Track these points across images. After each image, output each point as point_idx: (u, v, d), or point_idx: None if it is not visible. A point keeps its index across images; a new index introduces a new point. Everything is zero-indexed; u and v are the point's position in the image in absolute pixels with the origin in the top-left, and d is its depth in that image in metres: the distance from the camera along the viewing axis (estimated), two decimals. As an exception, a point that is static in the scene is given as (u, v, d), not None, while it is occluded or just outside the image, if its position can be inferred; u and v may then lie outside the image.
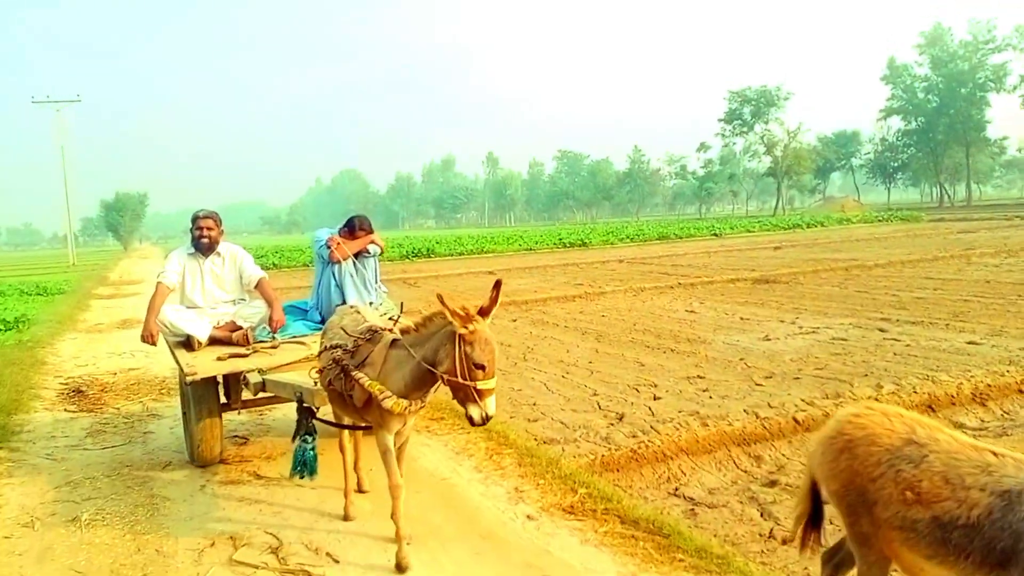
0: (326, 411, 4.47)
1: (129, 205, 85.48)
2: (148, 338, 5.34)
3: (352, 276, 5.86)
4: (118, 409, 7.25)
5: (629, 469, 5.14)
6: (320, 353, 4.18)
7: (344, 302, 5.62)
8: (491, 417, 3.36)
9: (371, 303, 5.77)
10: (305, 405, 4.32)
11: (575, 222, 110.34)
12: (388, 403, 3.52)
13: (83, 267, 40.46)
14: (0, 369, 8.73)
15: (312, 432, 4.25)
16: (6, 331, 12.85)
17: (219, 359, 5.10)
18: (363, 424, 4.06)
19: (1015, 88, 73.04)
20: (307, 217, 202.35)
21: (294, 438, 4.32)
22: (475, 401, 3.31)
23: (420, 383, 3.56)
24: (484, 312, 3.39)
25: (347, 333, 3.97)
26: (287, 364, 5.02)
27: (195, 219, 5.79)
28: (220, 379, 5.36)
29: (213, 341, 5.47)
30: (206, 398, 5.14)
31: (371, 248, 6.00)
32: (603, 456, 5.22)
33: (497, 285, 3.45)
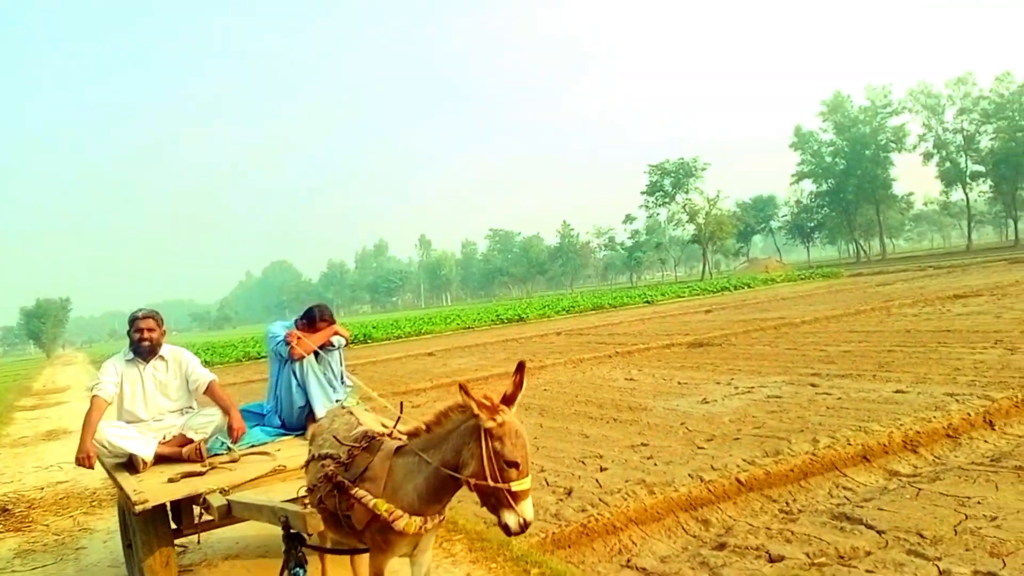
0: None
1: (51, 311, 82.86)
2: (84, 461, 4.60)
3: (316, 373, 5.33)
4: (47, 526, 6.90)
5: (580, 544, 5.12)
6: (306, 464, 3.68)
7: (307, 403, 5.23)
8: (530, 524, 2.86)
9: (338, 401, 5.25)
10: (293, 531, 3.54)
11: (511, 298, 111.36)
12: (400, 524, 2.99)
13: (3, 378, 38.74)
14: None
15: (303, 564, 3.57)
16: (-80, 452, 12.15)
17: (171, 480, 4.40)
18: (364, 547, 3.44)
19: (915, 147, 77.97)
20: (238, 311, 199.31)
21: (282, 572, 3.62)
22: (510, 506, 2.82)
23: (438, 493, 3.06)
24: (508, 400, 2.96)
25: (339, 441, 3.44)
26: (252, 480, 4.32)
27: (133, 320, 5.17)
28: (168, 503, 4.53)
29: (160, 459, 4.80)
30: (154, 526, 4.34)
31: (335, 340, 5.50)
32: (554, 533, 5.20)
33: (520, 368, 3.00)
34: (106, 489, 7.66)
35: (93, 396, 4.86)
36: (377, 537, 3.12)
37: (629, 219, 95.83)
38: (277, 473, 4.37)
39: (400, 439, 3.26)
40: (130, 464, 4.71)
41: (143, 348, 5.08)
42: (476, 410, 2.86)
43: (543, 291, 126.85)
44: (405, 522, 2.99)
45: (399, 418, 3.49)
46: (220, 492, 4.10)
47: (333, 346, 5.48)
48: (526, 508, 2.83)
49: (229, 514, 4.02)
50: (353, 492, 3.13)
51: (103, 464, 4.81)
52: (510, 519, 2.81)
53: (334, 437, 3.49)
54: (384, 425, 3.62)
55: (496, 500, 2.84)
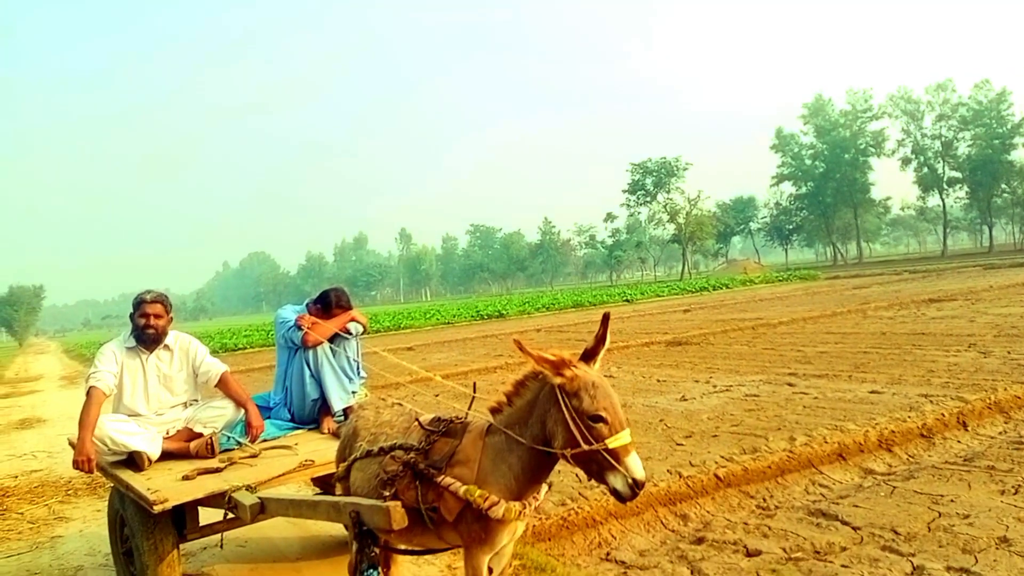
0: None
1: (23, 298, 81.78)
2: (84, 464, 4.11)
3: (331, 362, 4.96)
4: (22, 514, 6.83)
5: (560, 537, 5.15)
6: (350, 463, 3.31)
7: (321, 395, 4.91)
8: (643, 483, 2.51)
9: (354, 393, 5.01)
10: (366, 528, 3.08)
11: (491, 294, 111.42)
12: (498, 511, 2.67)
13: (-27, 365, 38.12)
14: None
15: (376, 565, 3.13)
16: None
17: (186, 478, 4.03)
18: (443, 546, 3.14)
19: (893, 152, 78.99)
20: (214, 302, 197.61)
21: (352, 574, 3.19)
22: (613, 468, 2.50)
23: (535, 473, 2.77)
24: (590, 355, 2.67)
25: (421, 425, 3.11)
26: (279, 476, 3.97)
27: (139, 303, 4.60)
28: None
29: (164, 455, 4.40)
30: (160, 530, 3.95)
31: (352, 327, 5.11)
32: (534, 526, 5.22)
33: (605, 320, 2.70)
34: (82, 478, 7.58)
35: (90, 388, 4.35)
36: (474, 528, 2.78)
37: (610, 217, 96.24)
38: (305, 468, 4.10)
39: (486, 418, 2.96)
40: (131, 462, 4.33)
41: (147, 336, 4.57)
42: (537, 366, 2.60)
43: (523, 288, 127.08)
44: (504, 508, 2.68)
45: (473, 398, 3.20)
46: (247, 490, 3.76)
47: (350, 333, 5.11)
48: (632, 465, 2.50)
49: (262, 512, 3.64)
50: (440, 480, 2.81)
51: (100, 463, 4.34)
52: (617, 482, 2.50)
53: (418, 422, 3.14)
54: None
55: (598, 466, 2.52)
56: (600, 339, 2.68)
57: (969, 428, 6.88)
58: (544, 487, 2.89)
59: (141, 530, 3.94)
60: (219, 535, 4.35)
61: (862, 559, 4.18)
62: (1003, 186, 73.64)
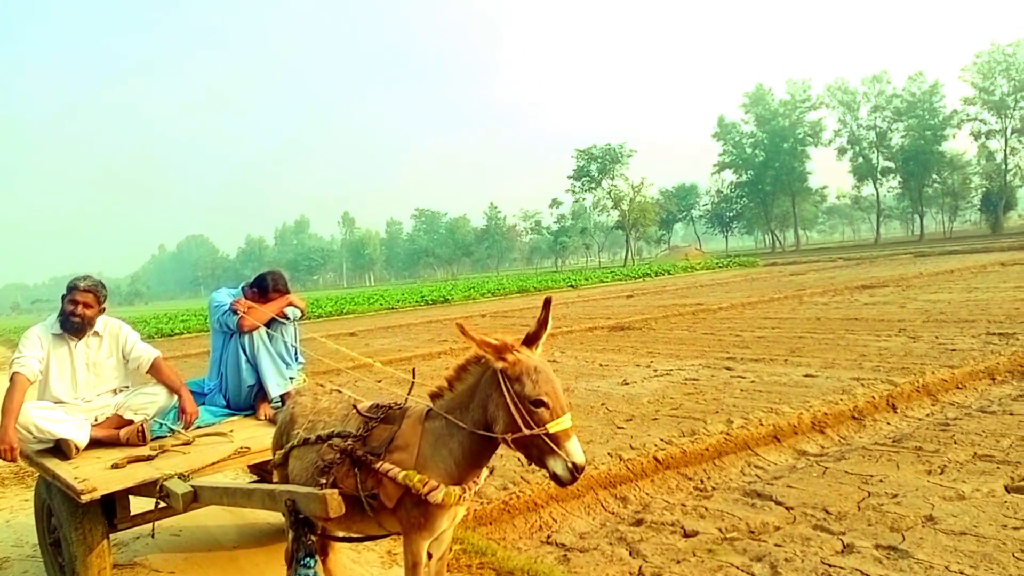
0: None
1: (-54, 281, 78.44)
2: (6, 453, 3.91)
3: (267, 347, 4.86)
4: (-60, 505, 6.55)
5: (502, 521, 5.16)
6: (286, 450, 3.26)
7: (258, 381, 4.82)
8: (582, 467, 2.53)
9: (291, 379, 4.93)
10: (302, 516, 3.05)
11: (436, 279, 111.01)
12: (437, 495, 2.67)
13: None
14: None
15: (313, 554, 3.10)
16: None
17: (115, 466, 3.92)
18: (383, 533, 3.11)
19: (830, 142, 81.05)
20: (151, 286, 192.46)
21: (290, 563, 3.15)
22: (553, 452, 2.51)
23: (475, 457, 2.76)
24: (531, 340, 2.67)
25: (360, 412, 3.08)
26: (214, 463, 3.89)
27: (71, 289, 4.45)
28: None
29: (92, 443, 4.25)
30: (89, 520, 3.82)
31: (290, 312, 5.02)
32: (475, 511, 5.22)
33: (546, 304, 2.69)
34: (7, 467, 7.30)
35: (14, 373, 4.20)
36: (414, 513, 2.77)
37: (555, 203, 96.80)
38: (240, 455, 4.03)
39: (425, 403, 2.94)
40: (58, 450, 4.18)
41: (72, 324, 4.42)
42: (479, 350, 2.60)
43: (468, 273, 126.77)
44: (443, 493, 2.68)
45: (412, 384, 3.19)
46: (179, 478, 3.67)
47: (288, 318, 5.02)
48: (572, 450, 2.51)
49: (195, 501, 3.58)
50: (378, 467, 2.79)
51: (24, 451, 4.15)
52: (557, 466, 2.51)
53: (355, 409, 3.11)
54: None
55: (538, 450, 2.54)
56: (542, 323, 2.68)
57: (898, 410, 7.11)
58: (485, 471, 2.89)
59: (69, 520, 3.83)
60: (151, 524, 4.22)
61: (795, 538, 4.28)
62: (934, 176, 76.15)
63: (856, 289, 20.80)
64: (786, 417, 6.82)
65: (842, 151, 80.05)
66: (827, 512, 4.63)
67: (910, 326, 12.17)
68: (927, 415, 6.93)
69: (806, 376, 8.75)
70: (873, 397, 7.32)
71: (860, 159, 79.06)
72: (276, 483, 3.41)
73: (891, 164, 77.91)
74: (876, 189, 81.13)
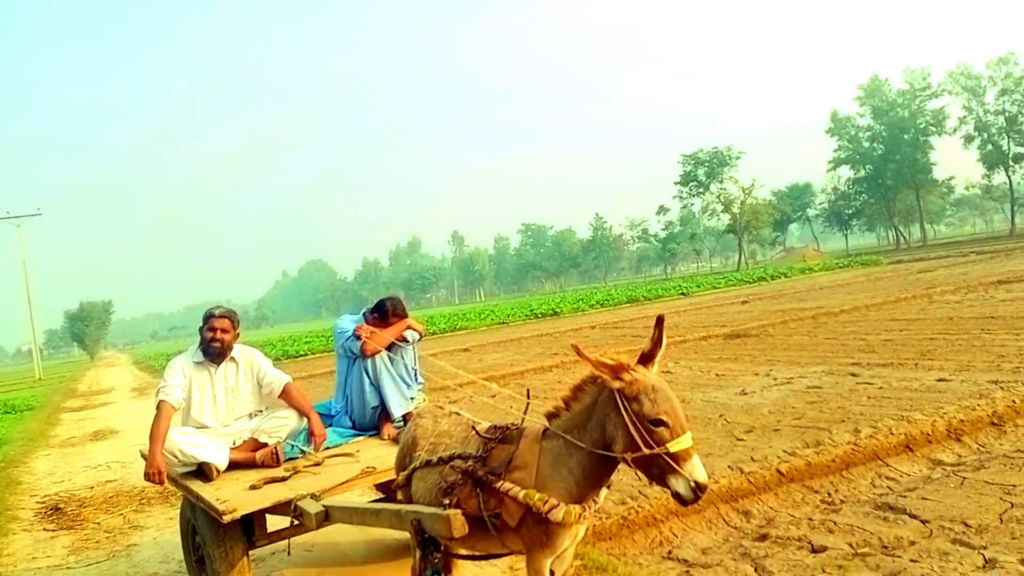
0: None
1: (94, 314, 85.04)
2: (154, 477, 4.25)
3: (389, 370, 5.04)
4: (99, 524, 7.10)
5: (621, 536, 5.14)
6: (410, 471, 3.37)
7: (381, 403, 5.01)
8: (705, 486, 2.52)
9: (412, 399, 5.11)
10: (428, 536, 3.12)
11: (544, 292, 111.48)
12: (558, 514, 2.69)
13: (50, 380, 39.82)
14: (-27, 493, 8.53)
15: (439, 571, 3.18)
16: (-24, 453, 12.56)
17: (253, 487, 4.14)
18: (505, 551, 3.16)
19: (955, 130, 76.40)
20: (275, 310, 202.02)
21: None
22: (674, 471, 2.50)
23: (594, 477, 2.78)
24: (647, 359, 2.71)
25: (478, 434, 3.15)
26: (343, 483, 4.10)
27: (208, 318, 4.80)
28: None
29: (231, 465, 4.54)
30: (230, 538, 4.06)
31: (409, 335, 5.19)
32: (594, 526, 5.22)
33: (659, 322, 2.75)
34: (154, 488, 7.84)
35: (160, 402, 4.51)
36: (536, 532, 2.80)
37: (663, 210, 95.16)
38: (367, 475, 4.19)
39: (542, 423, 2.99)
40: (200, 472, 4.46)
41: (213, 350, 4.74)
42: (595, 370, 2.62)
43: (576, 285, 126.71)
44: (564, 511, 2.70)
45: (528, 404, 3.22)
46: (312, 497, 3.87)
47: (407, 341, 5.18)
48: (694, 469, 2.51)
49: (327, 520, 3.75)
50: (499, 486, 2.83)
51: (171, 474, 4.45)
52: (680, 485, 2.51)
53: (475, 431, 3.19)
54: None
55: (659, 469, 2.55)
56: (656, 342, 2.71)
57: (1044, 415, 6.64)
58: (604, 489, 2.90)
59: (212, 538, 4.07)
60: (287, 541, 4.46)
61: (932, 553, 4.08)
62: (1074, 159, 70.60)
63: (991, 285, 19.52)
64: (918, 425, 6.49)
65: (969, 139, 75.32)
66: (966, 525, 4.38)
67: (1054, 323, 11.33)
68: (1078, 419, 6.44)
69: (939, 380, 8.29)
70: (1014, 401, 6.86)
71: (989, 146, 74.13)
72: (401, 502, 3.53)
73: (1023, 149, 72.74)
74: (1008, 176, 75.76)
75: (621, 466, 2.74)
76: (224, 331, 4.77)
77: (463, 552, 3.39)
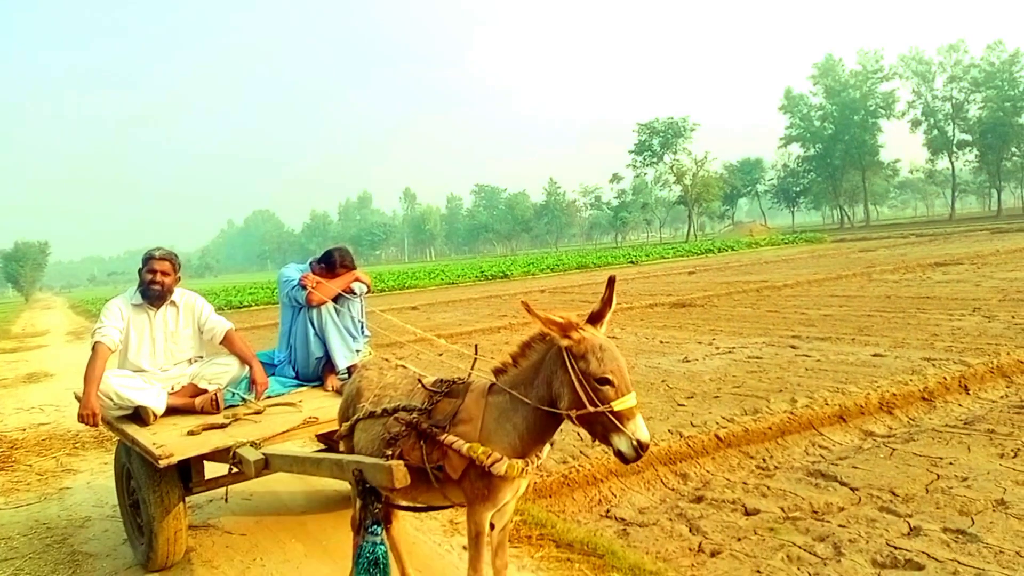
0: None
1: (29, 254, 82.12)
2: (89, 418, 4.15)
3: (335, 321, 5.00)
4: (30, 466, 6.92)
5: (561, 494, 5.21)
6: (353, 422, 3.34)
7: (326, 353, 4.96)
8: (647, 445, 2.55)
9: (358, 351, 5.06)
10: (369, 486, 3.10)
11: (495, 254, 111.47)
12: (501, 467, 2.71)
13: (-19, 320, 38.37)
14: None
15: (379, 521, 3.12)
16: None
17: (191, 433, 4.07)
18: (446, 503, 3.17)
19: (903, 114, 78.17)
20: (220, 260, 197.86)
21: (357, 530, 3.23)
22: (618, 430, 2.53)
23: (539, 433, 2.79)
24: (596, 318, 2.71)
25: (424, 387, 3.14)
26: (284, 432, 4.05)
27: (148, 259, 4.65)
28: None
29: (169, 411, 4.44)
30: (166, 483, 4.00)
31: (356, 287, 5.14)
32: (536, 483, 5.28)
33: (610, 283, 2.72)
34: (89, 431, 7.67)
35: (96, 343, 4.39)
36: (478, 485, 2.81)
37: (616, 178, 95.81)
38: (309, 425, 4.16)
39: (488, 378, 2.98)
40: (136, 416, 4.35)
41: (153, 292, 4.62)
42: (544, 328, 2.62)
43: (527, 249, 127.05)
44: (507, 465, 2.71)
45: (475, 360, 3.23)
46: (252, 445, 3.82)
47: (354, 293, 5.13)
48: (637, 428, 2.52)
49: (266, 469, 3.68)
50: (444, 439, 2.84)
51: (105, 418, 4.36)
52: (622, 443, 2.52)
53: (421, 384, 3.17)
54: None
55: (602, 427, 2.56)
56: (606, 302, 2.70)
57: (971, 392, 6.90)
58: (547, 446, 2.92)
59: (147, 483, 4.00)
60: (224, 489, 4.40)
61: (859, 519, 4.22)
62: (1013, 149, 72.74)
63: (929, 266, 20.15)
64: (852, 397, 6.69)
65: (916, 123, 77.13)
66: (894, 494, 4.55)
67: (985, 305, 11.76)
68: (1001, 397, 6.70)
69: (874, 356, 8.55)
70: (945, 378, 7.11)
71: (935, 131, 76.05)
72: (343, 453, 3.51)
73: (968, 137, 74.73)
74: (951, 163, 77.98)
75: (564, 425, 2.75)
76: (164, 273, 4.64)
77: (404, 504, 3.38)
